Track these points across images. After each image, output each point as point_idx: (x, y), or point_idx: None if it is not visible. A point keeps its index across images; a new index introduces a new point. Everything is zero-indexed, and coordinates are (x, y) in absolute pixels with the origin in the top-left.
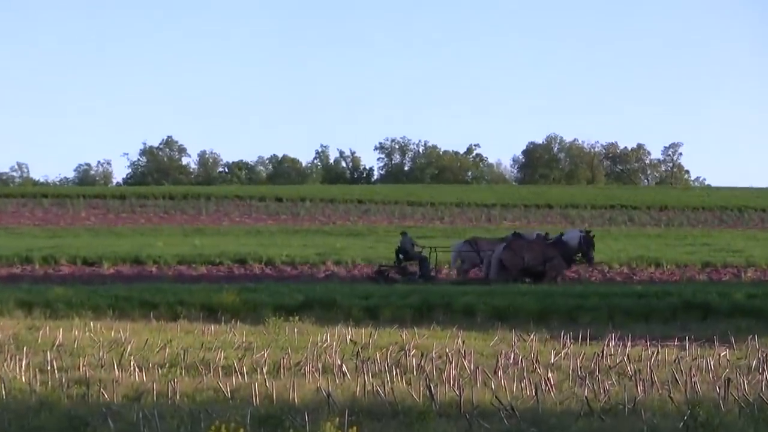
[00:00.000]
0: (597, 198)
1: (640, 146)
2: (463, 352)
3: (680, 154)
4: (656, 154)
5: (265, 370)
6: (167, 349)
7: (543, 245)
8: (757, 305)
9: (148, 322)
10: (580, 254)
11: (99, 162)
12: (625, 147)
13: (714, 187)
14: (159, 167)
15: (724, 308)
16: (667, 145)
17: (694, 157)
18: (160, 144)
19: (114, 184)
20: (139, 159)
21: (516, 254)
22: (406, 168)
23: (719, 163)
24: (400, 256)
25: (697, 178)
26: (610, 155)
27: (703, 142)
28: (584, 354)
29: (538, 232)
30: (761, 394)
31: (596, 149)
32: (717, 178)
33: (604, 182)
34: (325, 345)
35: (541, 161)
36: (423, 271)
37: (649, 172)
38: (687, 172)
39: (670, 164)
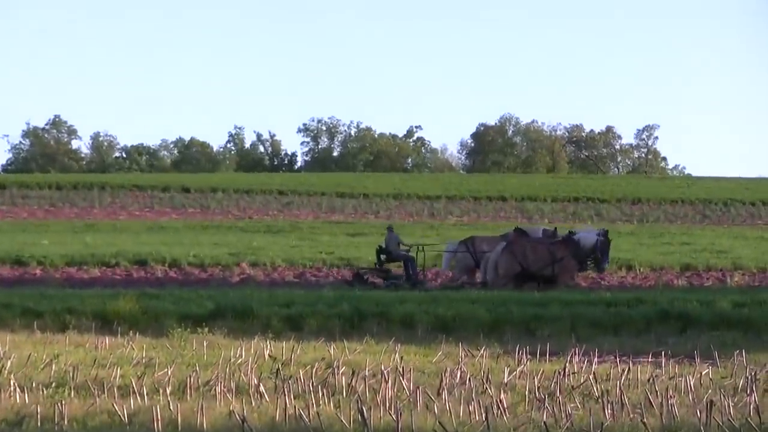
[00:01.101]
0: (559, 189)
1: (609, 129)
2: (401, 369)
3: (656, 138)
4: (628, 138)
5: (168, 391)
6: (53, 366)
7: (549, 244)
8: (745, 315)
9: (31, 333)
10: (591, 260)
11: None
12: (592, 130)
13: (695, 177)
14: (45, 151)
15: (707, 319)
16: (641, 128)
17: (672, 142)
18: (46, 124)
19: None
20: (21, 142)
21: (514, 258)
22: (335, 153)
23: (701, 149)
24: (382, 256)
25: (676, 167)
26: (575, 139)
27: (682, 124)
28: (543, 372)
29: (544, 227)
30: (749, 419)
31: (558, 132)
32: (699, 167)
33: (567, 171)
34: (239, 361)
35: (493, 146)
36: (409, 275)
37: (619, 159)
38: (664, 159)
39: (644, 150)
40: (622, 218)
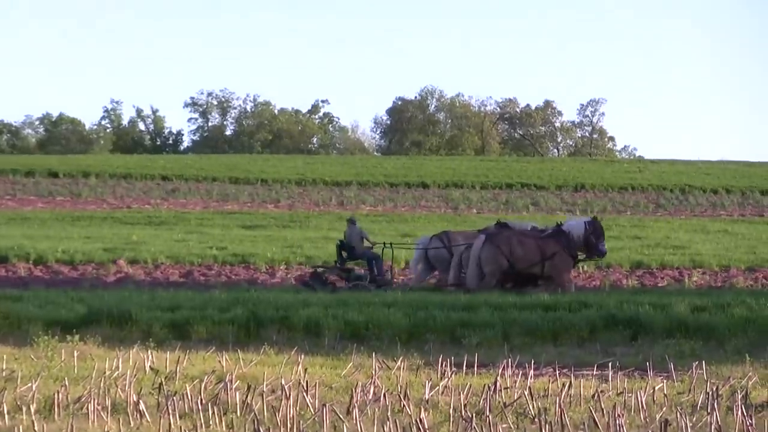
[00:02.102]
0: (489, 174)
1: (547, 104)
2: (305, 384)
3: (602, 115)
4: (570, 114)
5: (33, 409)
6: None
7: (538, 238)
8: (705, 321)
9: None
10: (584, 252)
11: None
12: (528, 105)
13: (648, 160)
14: None
15: (661, 325)
16: (584, 104)
17: (621, 119)
18: None
19: None
20: None
21: (500, 251)
22: (228, 132)
23: (655, 128)
24: (343, 253)
25: (625, 148)
26: (507, 116)
27: (632, 99)
28: (470, 387)
29: (533, 224)
30: None
31: (488, 108)
32: (652, 149)
33: (498, 153)
34: (115, 374)
35: (413, 124)
36: (375, 274)
37: (560, 139)
38: (611, 139)
39: (588, 129)
40: (563, 207)
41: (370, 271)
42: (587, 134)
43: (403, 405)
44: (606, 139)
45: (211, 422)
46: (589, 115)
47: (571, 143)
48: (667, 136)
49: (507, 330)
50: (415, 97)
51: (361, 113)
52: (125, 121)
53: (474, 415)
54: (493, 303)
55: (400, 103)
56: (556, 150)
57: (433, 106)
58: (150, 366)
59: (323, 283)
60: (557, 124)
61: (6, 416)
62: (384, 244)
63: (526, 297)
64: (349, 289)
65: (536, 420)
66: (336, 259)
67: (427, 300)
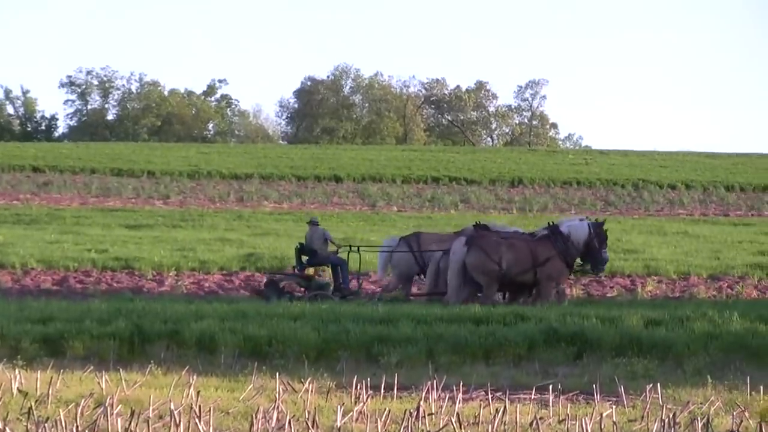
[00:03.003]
0: (412, 166)
1: (480, 86)
2: (197, 409)
3: (543, 98)
4: (506, 98)
5: None
6: None
7: (530, 242)
8: (661, 337)
9: None
10: (583, 259)
11: None
12: (458, 87)
13: (597, 150)
14: None
15: (610, 341)
16: (523, 85)
17: (565, 104)
18: None
19: None
20: None
21: (489, 256)
22: (109, 117)
23: (604, 115)
24: (304, 258)
25: (570, 137)
26: (434, 99)
27: (578, 81)
28: (389, 413)
29: (517, 229)
30: None
31: (412, 90)
32: (601, 138)
33: (423, 141)
34: None
35: (324, 108)
36: (339, 282)
37: (494, 126)
38: (554, 126)
39: (528, 114)
40: (497, 205)
41: (335, 279)
42: (526, 121)
43: None
44: (547, 127)
45: None
46: (528, 99)
47: (507, 131)
48: (617, 124)
49: (432, 347)
50: (328, 77)
51: (264, 95)
52: None
53: None
54: (416, 315)
55: (309, 83)
56: (490, 139)
57: (347, 87)
58: (18, 388)
59: (279, 293)
60: (491, 109)
61: None
62: (350, 247)
63: (454, 309)
64: (310, 299)
65: None
66: (295, 265)
67: (340, 312)
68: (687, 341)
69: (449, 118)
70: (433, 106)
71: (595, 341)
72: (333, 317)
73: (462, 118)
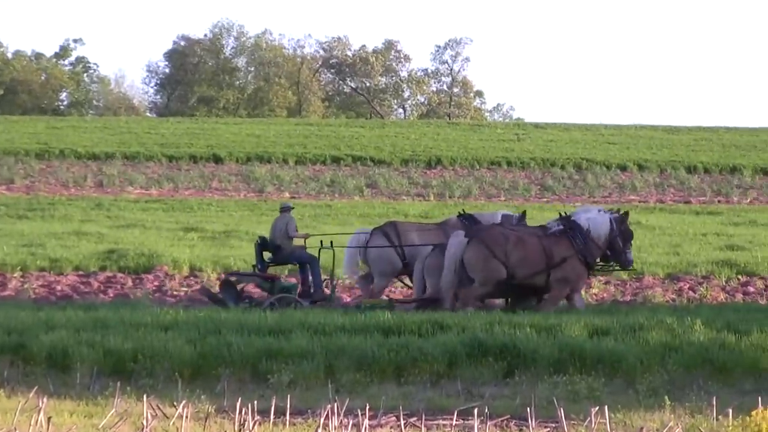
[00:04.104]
0: (308, 144)
1: (390, 46)
2: None
3: (466, 61)
4: (421, 60)
5: None
6: None
7: (544, 238)
8: (608, 350)
9: None
10: (604, 260)
11: None
12: (363, 47)
13: (531, 124)
14: None
15: (547, 355)
16: (441, 45)
17: (493, 68)
18: None
19: None
20: None
21: (492, 254)
22: None
23: (540, 81)
24: (266, 255)
25: (499, 108)
26: (335, 63)
27: (508, 40)
28: None
29: (505, 212)
30: None
31: (307, 51)
32: (536, 109)
33: (322, 114)
34: None
35: (201, 73)
36: (310, 285)
37: (407, 94)
38: (479, 95)
39: (448, 80)
40: (411, 191)
41: (303, 281)
42: (445, 88)
43: None
44: (471, 95)
45: None
46: (448, 62)
47: (422, 100)
48: (556, 93)
49: (332, 362)
50: (205, 36)
51: (128, 58)
52: None
53: None
54: (312, 324)
55: (183, 44)
56: (401, 110)
57: (229, 48)
58: None
59: (237, 297)
60: (403, 74)
61: None
62: (321, 242)
63: (359, 315)
64: (272, 305)
65: None
66: (255, 263)
67: (220, 320)
68: (640, 355)
69: (352, 85)
70: (333, 71)
71: (529, 355)
72: (212, 327)
73: (368, 85)
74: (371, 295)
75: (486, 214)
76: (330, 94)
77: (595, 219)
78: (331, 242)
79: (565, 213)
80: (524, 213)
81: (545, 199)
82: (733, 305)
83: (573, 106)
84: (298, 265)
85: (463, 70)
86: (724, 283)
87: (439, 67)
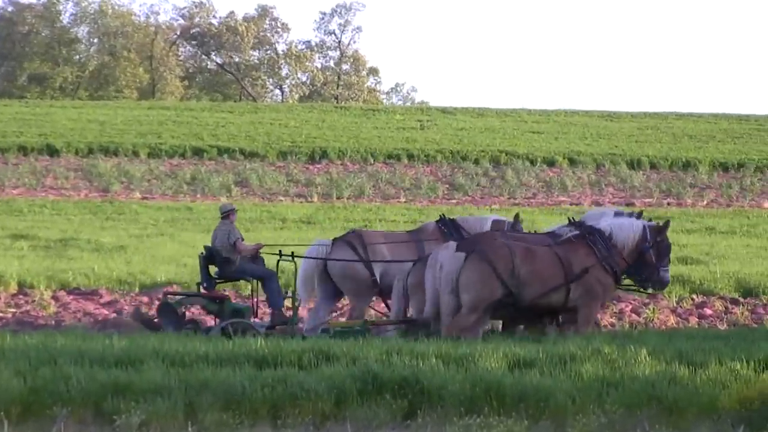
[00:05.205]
0: (163, 132)
1: (264, 12)
2: None
3: (357, 31)
4: (303, 31)
5: None
6: None
7: (557, 247)
8: (533, 385)
9: None
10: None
11: None
12: (232, 14)
13: (438, 108)
14: None
15: (457, 391)
16: (327, 13)
17: (390, 41)
18: None
19: None
20: None
21: (493, 273)
22: None
23: (449, 59)
24: (212, 270)
25: (398, 89)
26: (196, 33)
27: (408, 8)
28: None
29: (495, 216)
30: None
31: (163, 19)
32: (444, 92)
33: (181, 95)
34: None
35: (33, 46)
36: (270, 308)
37: (286, 72)
38: (373, 73)
39: (335, 54)
40: (290, 189)
41: (254, 301)
42: (332, 65)
43: None
44: (364, 74)
45: None
46: (336, 33)
47: (304, 79)
48: (468, 71)
49: (193, 400)
50: (38, 1)
51: None
52: None
53: None
54: (169, 354)
55: (11, 9)
56: (279, 91)
57: (67, 15)
58: None
59: (178, 322)
60: (281, 48)
61: None
62: (280, 252)
63: (223, 344)
64: (222, 331)
65: None
66: (200, 281)
67: (56, 348)
68: (572, 391)
69: (218, 60)
70: (194, 43)
71: (435, 392)
72: (46, 357)
73: (237, 60)
74: (348, 318)
75: (471, 219)
76: (190, 71)
77: (620, 224)
78: (292, 253)
79: (573, 219)
80: (517, 215)
81: (454, 201)
82: (686, 331)
83: (488, 88)
84: (251, 282)
85: (354, 42)
86: (675, 304)
87: (325, 39)
